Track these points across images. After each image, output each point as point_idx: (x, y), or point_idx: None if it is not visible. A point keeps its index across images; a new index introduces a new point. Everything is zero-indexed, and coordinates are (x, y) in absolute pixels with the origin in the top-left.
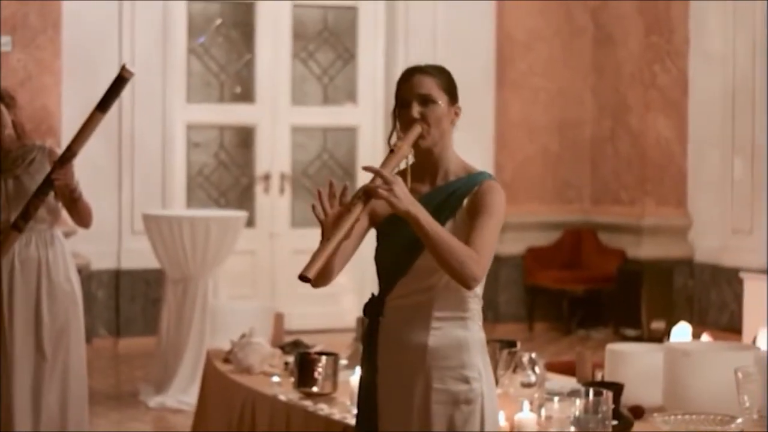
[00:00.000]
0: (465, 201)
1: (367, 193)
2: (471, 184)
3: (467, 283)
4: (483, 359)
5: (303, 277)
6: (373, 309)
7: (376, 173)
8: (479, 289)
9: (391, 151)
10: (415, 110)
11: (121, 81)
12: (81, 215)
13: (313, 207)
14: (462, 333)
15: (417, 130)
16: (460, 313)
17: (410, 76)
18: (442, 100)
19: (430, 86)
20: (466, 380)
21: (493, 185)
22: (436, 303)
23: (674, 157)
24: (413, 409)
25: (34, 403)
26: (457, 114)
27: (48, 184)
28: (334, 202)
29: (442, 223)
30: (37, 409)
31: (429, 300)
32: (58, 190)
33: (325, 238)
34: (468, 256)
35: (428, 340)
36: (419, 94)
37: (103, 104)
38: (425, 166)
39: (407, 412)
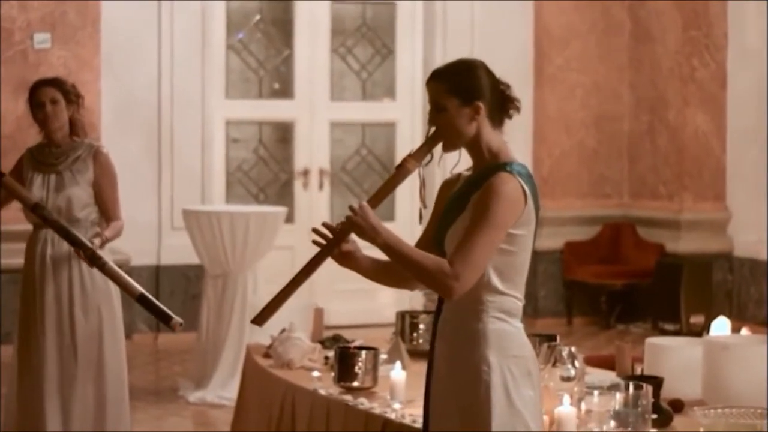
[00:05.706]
0: (474, 196)
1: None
2: (484, 176)
3: (445, 295)
4: (500, 353)
5: (254, 322)
6: (441, 299)
7: (350, 208)
8: (498, 283)
9: (397, 167)
10: (431, 121)
11: (163, 317)
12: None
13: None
14: (475, 325)
15: (432, 143)
16: (473, 305)
17: (426, 84)
18: (451, 104)
19: (439, 93)
20: (476, 372)
21: (500, 181)
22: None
23: (712, 151)
24: (441, 399)
25: (64, 402)
26: (477, 111)
27: (78, 244)
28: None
29: (456, 216)
30: (66, 409)
31: None
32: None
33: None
34: (437, 271)
35: (447, 331)
36: (432, 102)
37: (144, 303)
38: (472, 158)
39: (440, 403)
